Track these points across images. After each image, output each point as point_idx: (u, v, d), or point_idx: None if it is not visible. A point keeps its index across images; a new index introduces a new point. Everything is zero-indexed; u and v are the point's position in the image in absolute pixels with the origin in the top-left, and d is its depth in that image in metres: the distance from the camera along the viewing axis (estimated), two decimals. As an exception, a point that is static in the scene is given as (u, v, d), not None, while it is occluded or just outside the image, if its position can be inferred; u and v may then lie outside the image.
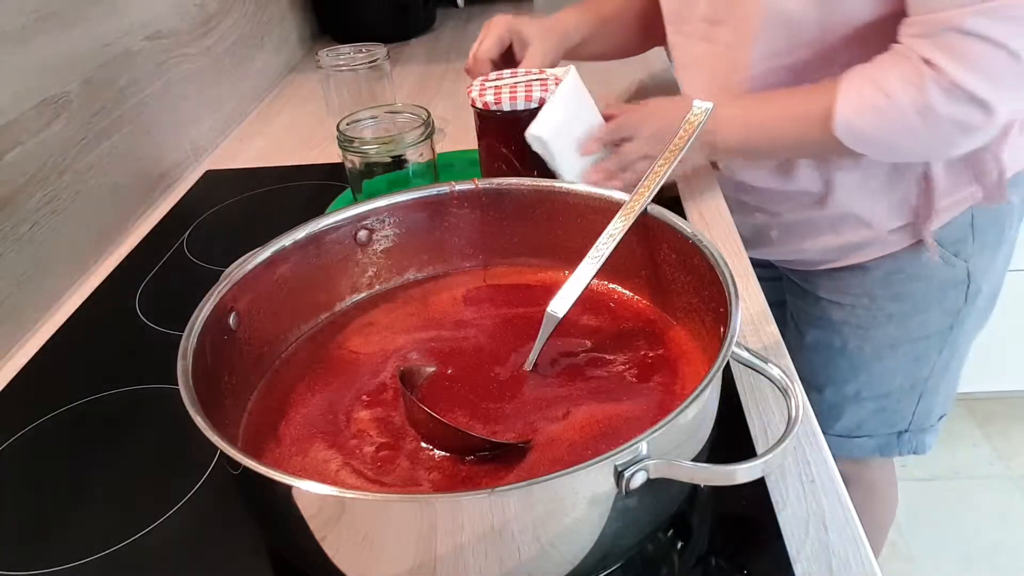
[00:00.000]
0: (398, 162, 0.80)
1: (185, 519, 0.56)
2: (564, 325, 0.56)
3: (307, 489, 0.40)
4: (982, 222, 0.92)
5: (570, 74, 0.84)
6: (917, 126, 0.75)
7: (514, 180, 0.66)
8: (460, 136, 1.13)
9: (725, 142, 0.84)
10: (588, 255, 0.57)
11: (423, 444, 0.50)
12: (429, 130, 0.80)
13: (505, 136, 0.81)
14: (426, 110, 0.81)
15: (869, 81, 0.76)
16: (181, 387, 0.45)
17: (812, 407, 0.61)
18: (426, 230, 0.67)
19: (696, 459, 0.45)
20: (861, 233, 0.94)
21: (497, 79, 0.83)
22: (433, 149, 0.82)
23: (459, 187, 0.66)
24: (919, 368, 1.02)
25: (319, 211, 0.64)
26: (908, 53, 0.74)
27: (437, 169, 0.84)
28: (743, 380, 0.64)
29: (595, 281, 0.58)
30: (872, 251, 0.96)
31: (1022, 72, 0.71)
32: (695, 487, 0.51)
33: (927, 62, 0.72)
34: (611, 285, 0.65)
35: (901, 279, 0.96)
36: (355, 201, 0.85)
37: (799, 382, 0.48)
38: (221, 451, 0.41)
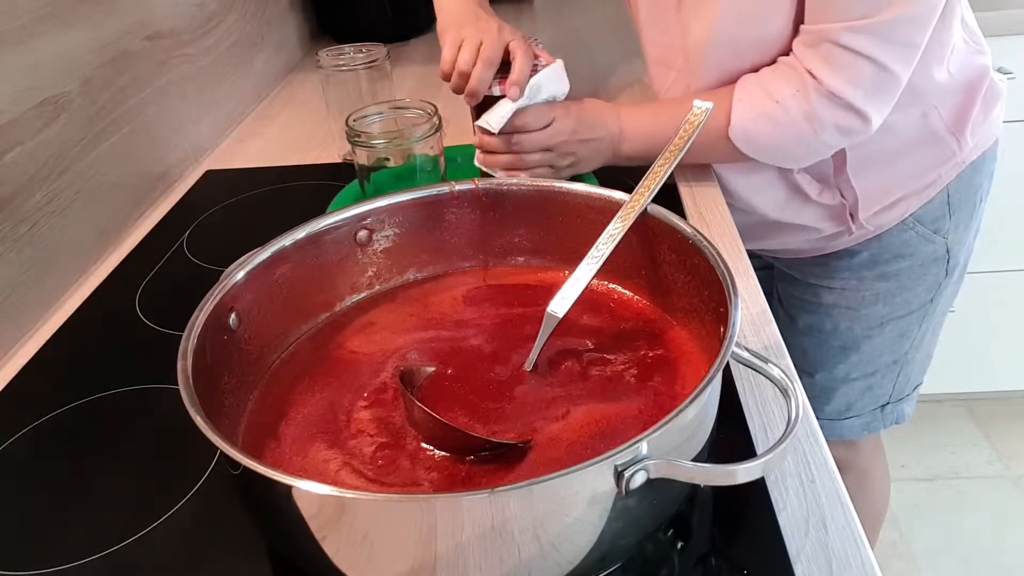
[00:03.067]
0: (406, 155, 0.80)
1: (185, 519, 0.56)
2: (564, 325, 0.56)
3: (307, 489, 0.40)
4: (957, 199, 0.97)
5: (549, 68, 0.86)
6: (806, 132, 0.81)
7: (514, 180, 0.67)
8: (461, 135, 1.13)
9: (630, 147, 0.89)
10: (588, 255, 0.57)
11: (423, 444, 0.50)
12: (437, 124, 0.81)
13: None
14: (433, 105, 0.81)
15: (761, 90, 0.82)
16: (181, 387, 0.45)
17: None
18: (426, 230, 0.67)
19: (696, 459, 0.45)
20: (845, 222, 0.98)
21: None
22: (441, 143, 0.83)
23: (459, 187, 0.66)
24: (902, 343, 1.07)
25: (319, 211, 0.64)
26: (795, 63, 0.80)
27: (445, 163, 0.85)
28: (743, 380, 0.64)
29: (595, 281, 0.58)
30: (857, 236, 1.00)
31: (889, 83, 0.78)
32: (695, 487, 0.51)
33: (809, 72, 0.79)
34: (611, 285, 0.65)
35: (887, 259, 1.01)
36: (363, 194, 0.85)
37: (799, 382, 0.48)
38: (221, 451, 0.41)
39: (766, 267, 1.15)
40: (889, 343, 1.06)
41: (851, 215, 0.96)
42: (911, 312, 1.04)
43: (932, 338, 1.10)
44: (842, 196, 0.95)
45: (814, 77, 0.78)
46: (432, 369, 0.57)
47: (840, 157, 0.91)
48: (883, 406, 1.12)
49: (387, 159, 0.81)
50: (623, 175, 0.92)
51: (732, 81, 0.85)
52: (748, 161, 0.87)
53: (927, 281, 1.02)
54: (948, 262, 1.01)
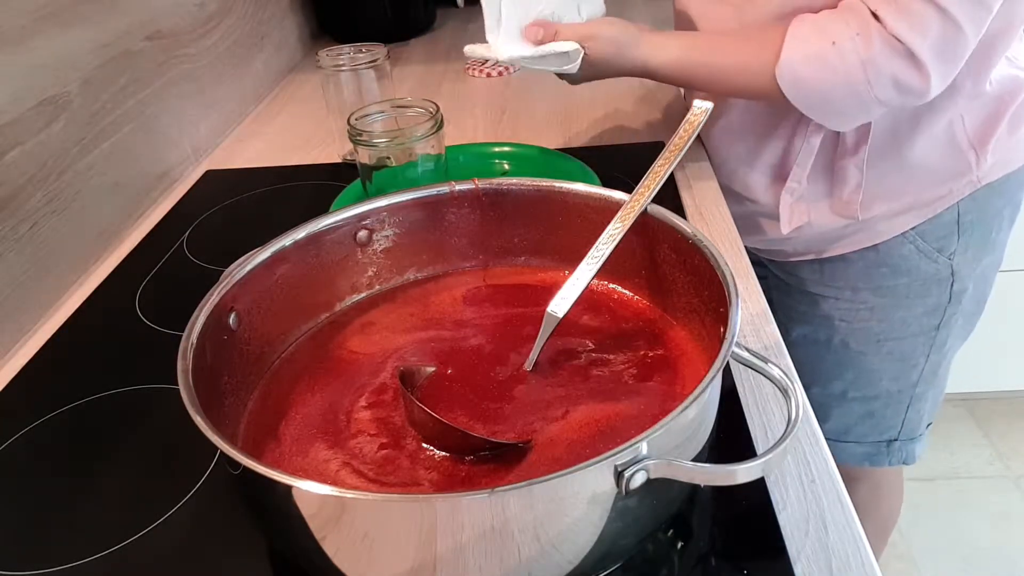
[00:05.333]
0: (408, 154, 0.80)
1: (185, 519, 0.56)
2: (564, 325, 0.56)
3: (307, 489, 0.40)
4: (969, 220, 0.93)
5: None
6: (859, 80, 0.75)
7: (514, 180, 0.66)
8: (462, 134, 1.13)
9: (661, 59, 0.85)
10: (588, 255, 0.57)
11: (423, 444, 0.50)
12: (438, 123, 0.81)
13: None
14: (435, 103, 0.81)
15: (818, 29, 0.77)
16: (181, 387, 0.45)
17: None
18: (426, 230, 0.67)
19: (696, 459, 0.45)
20: (839, 220, 0.95)
21: None
22: (442, 142, 0.83)
23: (459, 187, 0.66)
24: (906, 372, 1.03)
25: (319, 211, 0.64)
26: (858, 7, 0.75)
27: (447, 162, 0.85)
28: (743, 380, 0.64)
29: (595, 281, 0.58)
30: (852, 242, 0.96)
31: (956, 40, 0.73)
32: (695, 487, 0.51)
33: (874, 14, 0.74)
34: (611, 285, 0.65)
35: (883, 272, 0.97)
36: (366, 193, 0.85)
37: (799, 382, 0.48)
38: (221, 451, 0.41)
39: (761, 277, 1.13)
40: (889, 367, 1.02)
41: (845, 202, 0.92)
42: (912, 336, 1.00)
43: (944, 373, 1.06)
44: (843, 180, 0.92)
45: (878, 19, 0.73)
46: (432, 369, 0.57)
47: (863, 131, 0.87)
48: (890, 441, 1.08)
49: (388, 158, 0.81)
50: (623, 175, 0.93)
51: (788, 17, 0.81)
52: (785, 108, 0.83)
53: (927, 303, 0.97)
54: (953, 286, 0.96)
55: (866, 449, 1.09)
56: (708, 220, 0.87)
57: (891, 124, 0.85)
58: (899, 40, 0.73)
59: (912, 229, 0.93)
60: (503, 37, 0.86)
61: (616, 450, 0.39)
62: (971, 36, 0.74)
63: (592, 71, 0.87)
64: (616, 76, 0.88)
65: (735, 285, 0.50)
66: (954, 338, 1.02)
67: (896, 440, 1.09)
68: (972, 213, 0.92)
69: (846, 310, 1.01)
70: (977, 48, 0.80)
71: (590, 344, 0.59)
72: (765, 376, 0.48)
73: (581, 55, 0.84)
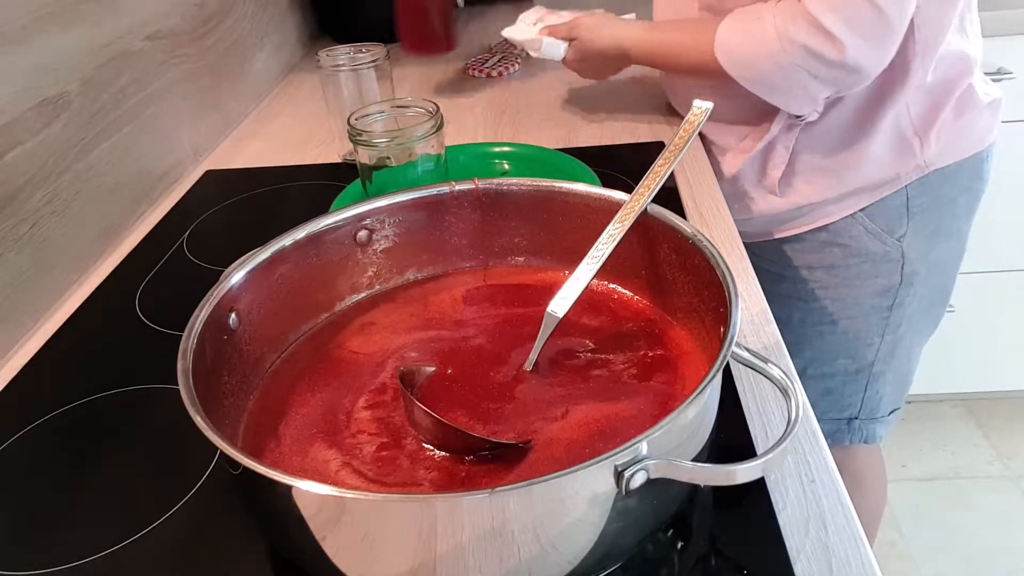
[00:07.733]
0: (408, 154, 0.80)
1: (185, 519, 0.56)
2: (564, 325, 0.56)
3: (307, 489, 0.40)
4: (919, 204, 0.96)
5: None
6: (776, 49, 0.82)
7: (514, 180, 0.67)
8: (462, 134, 1.13)
9: (631, 40, 0.99)
10: (588, 255, 0.57)
11: (423, 444, 0.50)
12: (438, 123, 0.81)
13: None
14: (435, 103, 0.81)
15: (750, 9, 0.85)
16: (181, 387, 0.45)
17: None
18: (426, 230, 0.67)
19: (696, 459, 0.45)
20: (801, 197, 0.98)
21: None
22: (442, 142, 0.83)
23: (459, 187, 0.66)
24: (861, 351, 1.06)
25: (319, 211, 0.64)
26: None
27: (447, 162, 0.85)
28: (743, 380, 0.64)
29: (595, 281, 0.58)
30: (804, 222, 1.00)
31: (873, 19, 0.78)
32: (695, 487, 0.51)
33: None
34: (611, 285, 0.65)
35: (835, 252, 1.01)
36: (365, 194, 0.85)
37: (799, 382, 0.48)
38: (221, 451, 0.41)
39: None
40: (844, 345, 1.05)
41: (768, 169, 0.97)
42: (864, 315, 1.03)
43: (906, 358, 1.08)
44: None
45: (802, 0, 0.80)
46: (432, 369, 0.57)
47: (795, 119, 0.92)
48: (850, 419, 1.11)
49: (388, 158, 0.81)
50: (623, 175, 0.93)
51: None
52: (730, 85, 0.88)
53: (878, 283, 1.00)
54: (903, 267, 0.99)
55: (827, 427, 1.11)
56: (708, 220, 0.87)
57: (840, 113, 0.89)
58: (814, 17, 0.79)
59: (861, 211, 0.97)
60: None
61: (616, 450, 0.39)
62: (893, 16, 0.78)
63: (580, 54, 1.05)
64: (600, 56, 1.03)
65: (735, 285, 0.50)
66: (910, 321, 1.04)
67: (856, 418, 1.11)
68: (923, 198, 0.96)
69: (802, 289, 1.05)
70: (929, 37, 0.84)
71: (590, 344, 0.59)
72: (765, 376, 0.48)
73: (565, 46, 1.07)
